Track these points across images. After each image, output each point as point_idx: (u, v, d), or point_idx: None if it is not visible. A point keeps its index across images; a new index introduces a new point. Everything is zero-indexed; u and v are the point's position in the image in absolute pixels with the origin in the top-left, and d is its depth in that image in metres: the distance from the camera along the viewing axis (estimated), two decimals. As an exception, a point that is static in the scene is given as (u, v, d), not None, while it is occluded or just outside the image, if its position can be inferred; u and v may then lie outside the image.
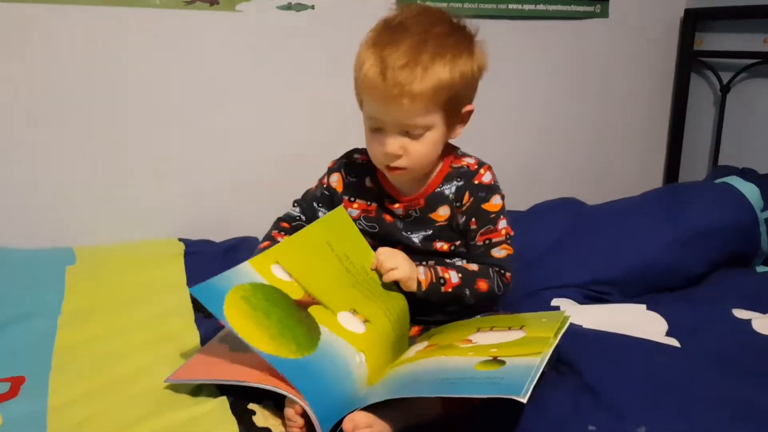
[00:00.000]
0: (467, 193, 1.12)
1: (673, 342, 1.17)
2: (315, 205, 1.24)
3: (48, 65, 1.50)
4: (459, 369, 0.91)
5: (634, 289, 1.39)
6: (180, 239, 1.59)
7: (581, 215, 1.60)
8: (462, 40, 1.06)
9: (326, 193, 1.23)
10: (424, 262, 1.12)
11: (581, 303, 1.33)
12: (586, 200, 1.74)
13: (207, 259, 1.51)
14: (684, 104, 2.21)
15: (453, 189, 1.13)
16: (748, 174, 1.67)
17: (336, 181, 1.22)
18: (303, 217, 1.25)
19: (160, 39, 1.58)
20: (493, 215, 1.12)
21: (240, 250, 1.58)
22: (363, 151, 1.22)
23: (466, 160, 1.15)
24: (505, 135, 1.99)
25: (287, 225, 1.24)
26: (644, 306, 1.30)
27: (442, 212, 1.13)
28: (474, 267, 1.11)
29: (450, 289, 1.08)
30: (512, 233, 1.14)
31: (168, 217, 1.67)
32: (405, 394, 0.87)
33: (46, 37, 1.49)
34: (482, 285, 1.09)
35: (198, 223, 1.68)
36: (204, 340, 1.16)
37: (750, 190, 1.54)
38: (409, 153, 1.07)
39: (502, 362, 0.91)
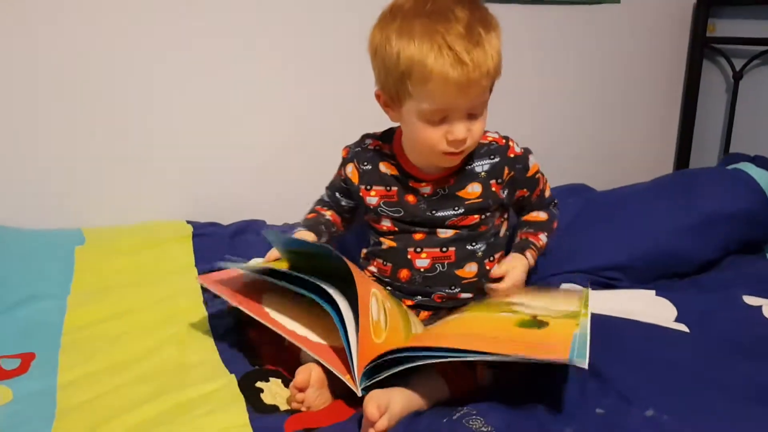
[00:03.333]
0: (506, 168, 1.15)
1: (683, 328, 1.17)
2: (337, 195, 1.27)
3: (49, 49, 1.50)
4: (500, 329, 0.93)
5: (644, 275, 1.38)
6: (188, 221, 1.59)
7: (591, 201, 1.59)
8: (483, 6, 1.06)
9: (344, 185, 1.24)
10: (522, 244, 1.22)
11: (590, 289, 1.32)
12: (595, 187, 1.74)
13: (215, 242, 1.51)
14: (696, 91, 2.19)
15: (486, 166, 1.14)
16: (760, 161, 1.65)
17: (351, 172, 1.21)
18: (332, 203, 1.30)
19: (167, 20, 1.57)
20: (537, 174, 1.22)
21: (247, 232, 1.59)
22: (374, 136, 1.22)
23: (491, 136, 1.17)
24: (514, 120, 1.96)
25: (321, 208, 1.29)
26: (653, 292, 1.29)
27: (472, 189, 1.14)
28: (543, 216, 1.26)
29: (544, 249, 1.25)
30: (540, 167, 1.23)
31: (176, 199, 1.67)
32: (460, 356, 0.87)
33: (50, 21, 1.48)
34: (556, 225, 1.28)
35: (206, 206, 1.68)
36: (212, 320, 1.17)
37: (762, 177, 1.53)
38: (472, 133, 1.07)
39: (544, 323, 0.94)
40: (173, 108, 1.63)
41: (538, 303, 1.06)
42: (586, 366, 0.82)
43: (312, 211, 1.29)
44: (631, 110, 2.19)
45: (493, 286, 1.15)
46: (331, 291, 0.96)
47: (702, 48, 2.15)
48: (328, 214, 1.28)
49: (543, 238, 1.24)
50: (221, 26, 1.62)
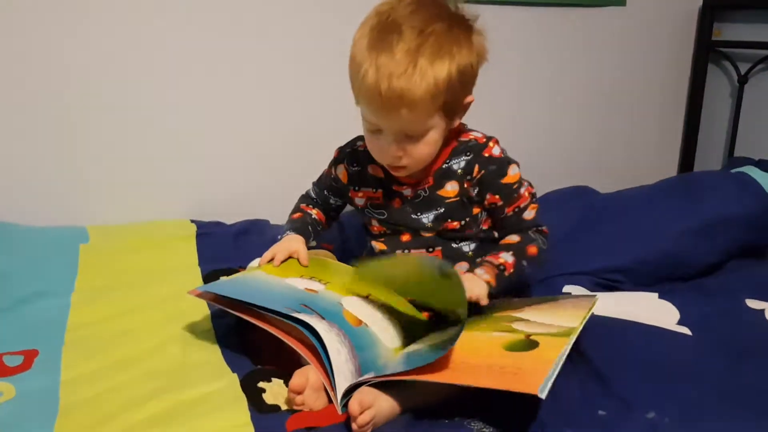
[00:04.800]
0: (477, 166, 1.12)
1: (685, 331, 1.17)
2: (325, 192, 1.29)
3: (55, 49, 1.50)
4: (483, 354, 0.92)
5: (647, 277, 1.38)
6: (192, 221, 1.60)
7: (594, 203, 1.59)
8: (461, 33, 1.03)
9: (334, 184, 1.26)
10: (471, 263, 1.13)
11: (593, 291, 1.32)
12: (599, 189, 1.73)
13: (219, 241, 1.51)
14: (700, 95, 2.19)
15: (462, 163, 1.12)
16: (764, 165, 1.65)
17: (341, 172, 1.23)
18: (318, 201, 1.30)
19: (171, 19, 1.58)
20: (515, 185, 1.13)
21: (251, 232, 1.59)
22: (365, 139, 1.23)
23: (474, 134, 1.15)
24: (518, 122, 1.98)
25: (307, 207, 1.30)
26: (656, 294, 1.30)
27: (450, 188, 1.13)
28: (515, 238, 1.14)
29: (512, 270, 1.10)
30: (534, 191, 1.16)
31: (180, 198, 1.68)
32: (411, 376, 0.88)
33: (56, 22, 1.49)
34: (532, 250, 1.13)
35: (209, 205, 1.68)
36: (214, 320, 1.17)
37: (766, 180, 1.53)
38: (410, 154, 1.06)
39: (535, 344, 0.92)
40: (178, 107, 1.63)
41: (540, 317, 1.04)
42: (543, 397, 0.80)
43: (297, 209, 1.30)
44: (635, 113, 2.19)
45: None
46: (307, 318, 0.97)
47: (707, 52, 2.14)
48: (314, 212, 1.29)
49: (505, 256, 1.12)
50: (226, 26, 1.63)
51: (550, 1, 1.93)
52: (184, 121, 1.64)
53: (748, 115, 2.08)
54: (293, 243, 1.20)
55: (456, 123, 1.10)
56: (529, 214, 1.16)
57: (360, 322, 1.03)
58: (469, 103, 1.10)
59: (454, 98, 1.03)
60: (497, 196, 1.13)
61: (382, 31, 1.00)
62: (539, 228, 1.17)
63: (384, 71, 0.97)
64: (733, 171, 1.63)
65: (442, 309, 1.05)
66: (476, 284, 1.06)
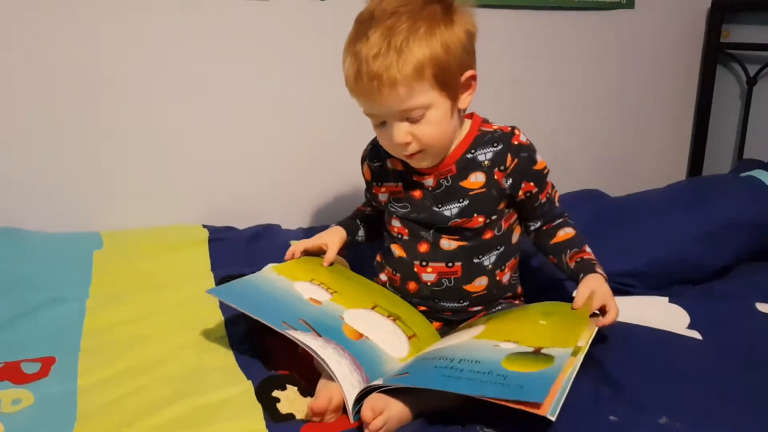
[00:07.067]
0: (509, 156, 1.10)
1: (695, 335, 1.17)
2: (367, 195, 1.30)
3: (67, 54, 1.51)
4: (485, 362, 0.93)
5: (657, 281, 1.38)
6: (204, 226, 1.61)
7: (604, 207, 1.59)
8: (437, 11, 1.02)
9: (366, 185, 1.27)
10: (585, 265, 1.13)
11: (603, 295, 1.32)
12: (609, 193, 1.73)
13: (231, 246, 1.52)
14: (709, 97, 2.18)
15: (489, 155, 1.11)
16: (773, 167, 1.65)
17: (366, 171, 1.25)
18: (368, 203, 1.32)
19: (187, 24, 1.59)
20: (545, 171, 1.15)
21: (263, 237, 1.60)
22: None
23: (497, 125, 1.14)
24: (527, 125, 1.97)
25: (362, 207, 1.34)
26: (667, 298, 1.30)
27: (475, 179, 1.11)
28: (571, 231, 1.18)
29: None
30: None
31: (192, 203, 1.69)
32: (425, 385, 0.89)
33: (68, 27, 1.50)
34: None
35: (222, 210, 1.69)
36: (228, 326, 1.18)
37: (776, 184, 1.53)
38: (418, 137, 1.05)
39: (549, 357, 0.92)
40: (190, 113, 1.64)
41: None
42: (553, 419, 0.81)
43: (355, 209, 1.34)
44: (644, 116, 2.19)
45: (600, 322, 1.06)
46: (302, 337, 0.99)
47: (716, 54, 2.14)
48: (368, 209, 1.32)
49: (590, 250, 1.16)
50: (236, 31, 1.64)
51: (559, 5, 1.94)
52: (197, 127, 1.65)
53: (757, 118, 2.07)
54: (326, 236, 1.24)
55: (464, 101, 1.08)
56: (558, 202, 1.20)
57: (360, 335, 1.04)
58: (470, 78, 1.07)
59: (445, 72, 1.02)
60: (532, 183, 1.13)
61: (360, 25, 1.04)
62: (566, 214, 1.20)
63: (360, 56, 0.99)
64: (743, 175, 1.62)
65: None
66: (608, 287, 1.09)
